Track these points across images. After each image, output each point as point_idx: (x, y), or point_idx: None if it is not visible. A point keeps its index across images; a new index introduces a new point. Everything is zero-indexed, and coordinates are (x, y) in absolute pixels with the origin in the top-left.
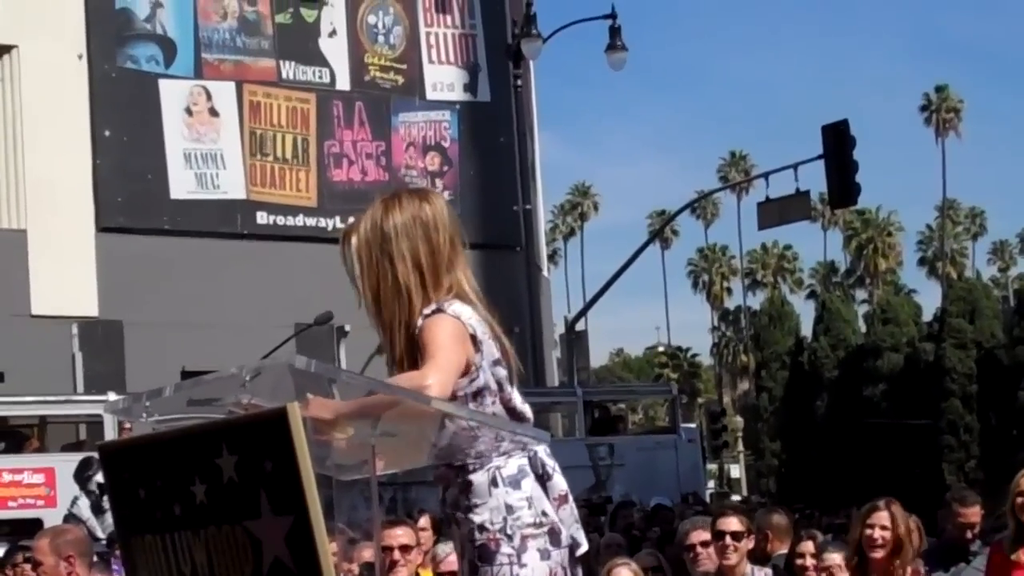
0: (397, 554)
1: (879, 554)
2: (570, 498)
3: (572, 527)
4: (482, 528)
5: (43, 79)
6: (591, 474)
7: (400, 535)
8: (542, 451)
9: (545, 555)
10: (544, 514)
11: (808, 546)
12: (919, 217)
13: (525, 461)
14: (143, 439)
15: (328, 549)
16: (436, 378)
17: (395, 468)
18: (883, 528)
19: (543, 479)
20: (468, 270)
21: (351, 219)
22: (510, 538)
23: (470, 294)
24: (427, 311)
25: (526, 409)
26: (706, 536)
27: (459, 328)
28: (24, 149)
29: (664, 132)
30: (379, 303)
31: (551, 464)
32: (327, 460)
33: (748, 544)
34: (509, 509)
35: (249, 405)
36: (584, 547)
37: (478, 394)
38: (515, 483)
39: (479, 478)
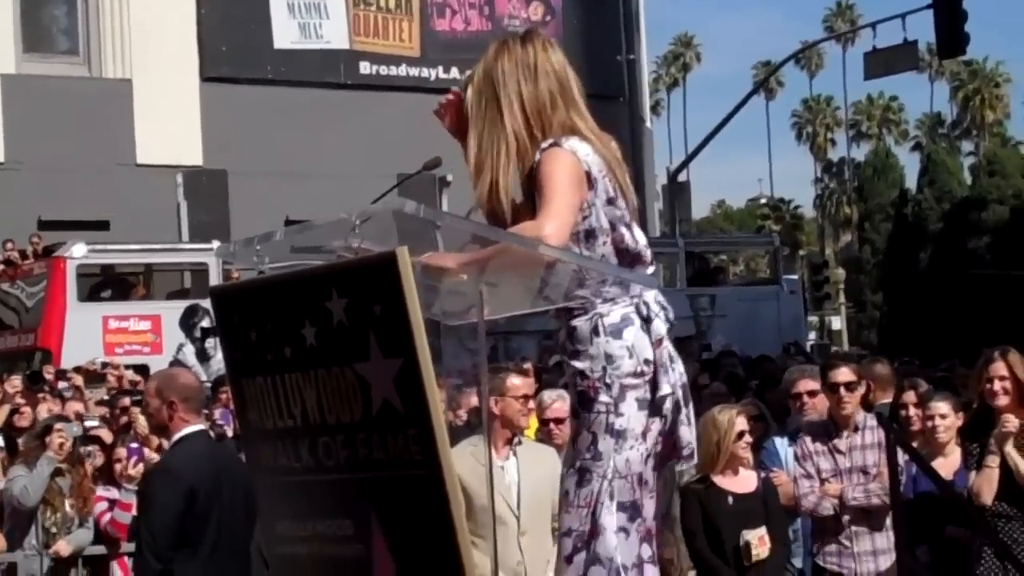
0: (519, 404)
1: (1003, 401)
2: (665, 341)
3: (669, 369)
4: (583, 375)
5: None
6: (692, 324)
7: (520, 385)
8: (651, 295)
9: (643, 405)
10: (647, 362)
11: (911, 396)
12: None
13: (630, 309)
14: (254, 283)
15: (436, 392)
16: (553, 226)
17: (497, 315)
18: (1001, 379)
19: (648, 321)
20: (587, 114)
21: (453, 69)
22: (608, 387)
23: (586, 132)
24: (544, 145)
25: (642, 249)
26: (813, 386)
27: (575, 165)
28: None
29: None
30: (483, 150)
31: (656, 309)
32: (433, 307)
33: (860, 391)
34: (609, 359)
35: (359, 249)
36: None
37: (590, 234)
38: (617, 332)
39: (582, 325)
